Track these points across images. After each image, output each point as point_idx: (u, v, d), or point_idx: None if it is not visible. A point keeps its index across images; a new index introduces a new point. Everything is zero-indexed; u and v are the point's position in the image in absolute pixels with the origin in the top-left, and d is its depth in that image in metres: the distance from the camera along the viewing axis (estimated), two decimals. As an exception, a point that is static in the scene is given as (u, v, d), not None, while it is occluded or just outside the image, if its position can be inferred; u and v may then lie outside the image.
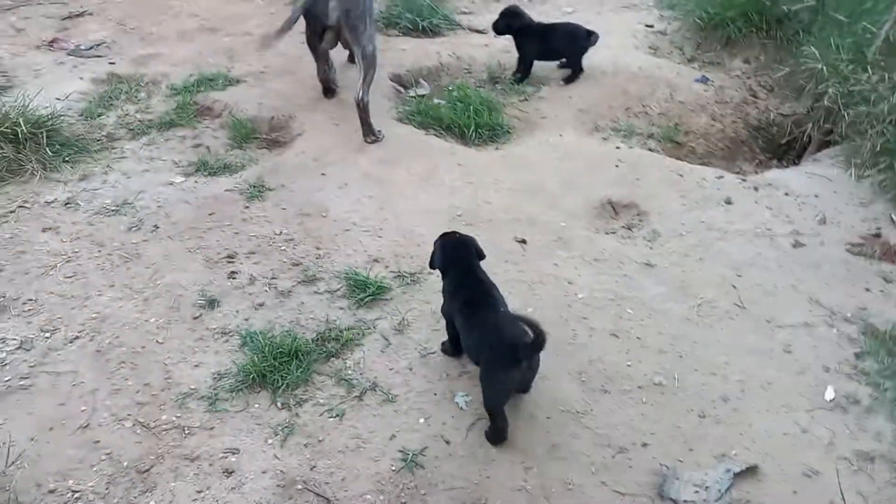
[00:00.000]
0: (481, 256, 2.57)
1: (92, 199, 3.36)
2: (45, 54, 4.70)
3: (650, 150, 4.05)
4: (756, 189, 3.68)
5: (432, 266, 2.61)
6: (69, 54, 4.70)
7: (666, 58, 4.93)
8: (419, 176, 3.63)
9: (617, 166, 3.77)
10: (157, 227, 3.19)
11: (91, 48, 4.78)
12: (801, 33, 4.68)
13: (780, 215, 3.50)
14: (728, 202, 3.58)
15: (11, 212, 3.24)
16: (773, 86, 4.69)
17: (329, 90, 4.30)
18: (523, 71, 4.55)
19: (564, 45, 4.53)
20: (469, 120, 4.04)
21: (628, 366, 2.66)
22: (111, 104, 4.13)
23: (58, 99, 4.06)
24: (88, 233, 3.15)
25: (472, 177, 3.63)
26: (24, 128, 3.52)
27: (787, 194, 3.64)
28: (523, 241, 3.21)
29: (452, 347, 2.60)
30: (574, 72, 4.54)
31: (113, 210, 3.29)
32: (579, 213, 3.46)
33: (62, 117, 3.80)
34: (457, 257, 2.53)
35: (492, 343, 2.28)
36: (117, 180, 3.50)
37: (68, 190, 3.42)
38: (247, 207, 3.36)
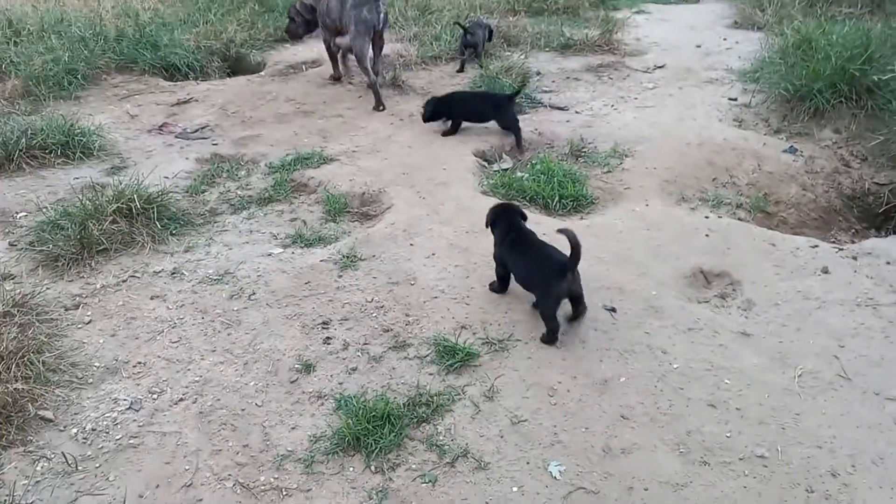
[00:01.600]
0: (524, 217, 3.33)
1: (196, 270, 3.55)
2: (155, 137, 5.10)
3: (740, 219, 3.99)
4: (854, 258, 3.56)
5: (487, 225, 3.33)
6: (177, 137, 5.08)
7: (751, 130, 4.91)
8: (505, 246, 3.68)
9: (707, 235, 3.73)
10: (257, 296, 3.34)
11: (196, 131, 5.15)
12: (894, 102, 4.59)
13: (882, 284, 3.36)
14: (825, 271, 3.47)
15: (124, 281, 3.46)
16: (867, 155, 4.58)
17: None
18: (452, 130, 5.06)
19: (487, 110, 4.98)
20: (553, 191, 4.10)
21: (728, 437, 2.56)
22: (214, 182, 4.40)
23: (166, 177, 4.37)
24: (192, 300, 3.32)
25: (558, 246, 3.64)
26: (137, 204, 3.79)
27: (888, 263, 3.50)
28: (613, 310, 3.18)
29: (500, 285, 3.29)
30: (516, 136, 4.85)
31: (215, 279, 3.47)
32: (670, 281, 3.42)
33: (170, 194, 4.07)
34: (503, 214, 3.31)
35: (542, 265, 3.00)
36: (219, 252, 3.70)
37: (174, 261, 3.63)
38: (340, 276, 3.48)
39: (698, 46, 6.74)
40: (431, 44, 6.71)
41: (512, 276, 3.24)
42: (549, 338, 2.98)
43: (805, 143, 4.73)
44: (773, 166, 4.43)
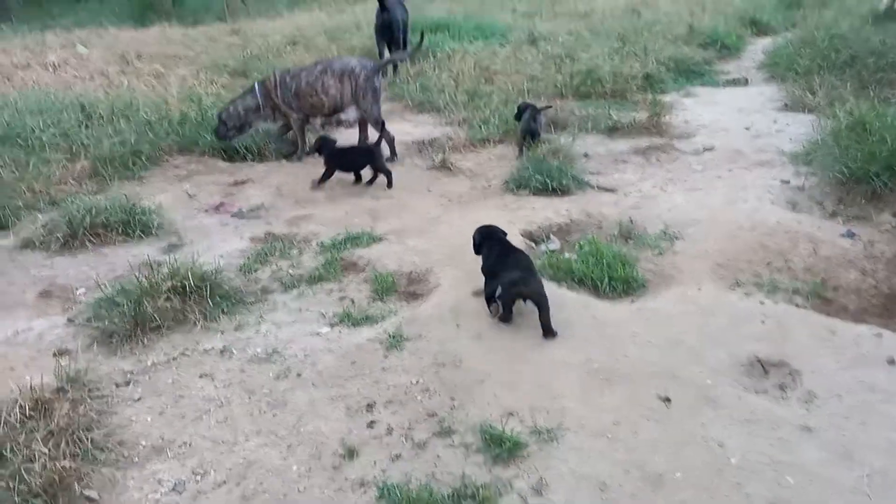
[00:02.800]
0: (504, 234, 4.03)
1: (245, 348, 3.58)
2: (212, 217, 5.26)
3: (797, 306, 3.87)
4: (922, 348, 3.39)
5: (475, 249, 4.01)
6: (232, 216, 5.23)
7: (806, 213, 4.81)
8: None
9: (763, 322, 3.62)
10: (303, 376, 3.34)
11: (251, 211, 5.30)
12: (956, 184, 4.47)
13: (955, 377, 3.18)
14: (891, 362, 3.31)
15: (174, 358, 3.51)
16: (929, 239, 4.43)
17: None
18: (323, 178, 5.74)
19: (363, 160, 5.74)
20: (602, 273, 4.05)
21: (793, 542, 2.40)
22: (266, 260, 4.49)
23: (220, 256, 4.48)
24: (240, 380, 3.34)
25: (608, 330, 3.59)
26: (191, 282, 3.87)
27: (960, 354, 3.32)
28: (666, 399, 3.08)
29: (505, 313, 3.63)
30: (385, 175, 5.68)
31: (263, 358, 3.49)
32: (725, 369, 3.30)
33: (223, 272, 4.16)
34: (487, 233, 4.01)
35: (508, 268, 3.68)
36: (269, 330, 3.74)
37: (224, 339, 3.67)
38: (386, 357, 3.46)
39: (748, 129, 6.73)
40: (480, 127, 6.85)
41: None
42: (505, 319, 3.66)
43: (863, 227, 4.61)
44: (830, 251, 4.32)
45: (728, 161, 5.88)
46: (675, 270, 4.17)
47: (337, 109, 6.36)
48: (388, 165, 5.88)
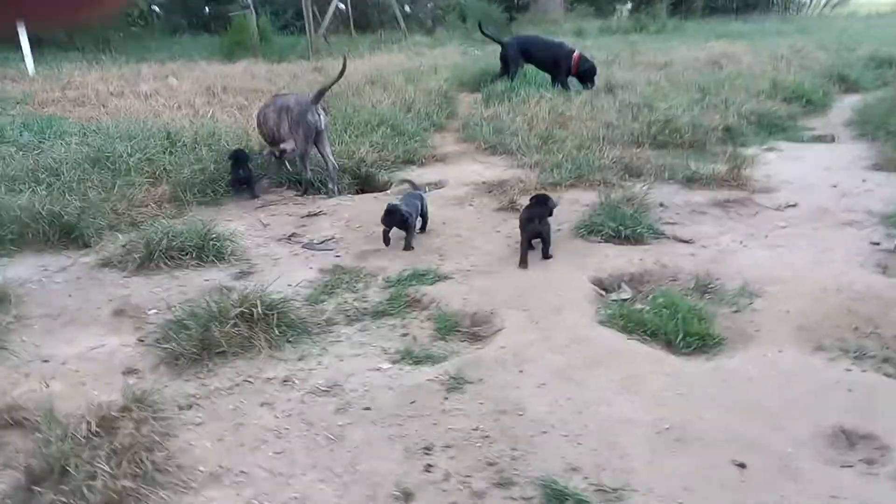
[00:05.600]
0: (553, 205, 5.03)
1: (307, 379, 3.56)
2: (283, 246, 5.34)
3: (887, 375, 3.60)
4: None
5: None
6: (303, 247, 5.29)
7: (898, 277, 4.53)
8: (621, 383, 3.49)
9: (849, 391, 3.38)
10: (362, 412, 3.29)
11: (322, 242, 5.36)
12: None
13: None
14: None
15: (237, 385, 3.51)
16: None
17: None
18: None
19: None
20: (676, 327, 3.89)
21: None
22: (333, 292, 4.51)
23: (289, 285, 4.52)
24: (300, 411, 3.31)
25: (681, 388, 3.42)
26: (259, 309, 3.90)
27: None
28: (742, 465, 2.88)
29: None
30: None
31: (324, 391, 3.46)
32: (807, 439, 3.08)
33: (291, 301, 4.18)
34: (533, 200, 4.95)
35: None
36: (331, 363, 3.71)
37: (287, 368, 3.67)
38: (446, 399, 3.38)
39: (834, 186, 6.44)
40: (552, 171, 6.79)
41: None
42: (522, 263, 4.86)
43: (961, 296, 4.30)
44: (925, 319, 4.03)
45: (813, 219, 5.62)
46: (754, 330, 3.96)
47: (276, 140, 6.65)
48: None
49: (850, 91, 11.22)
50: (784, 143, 8.31)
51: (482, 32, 11.93)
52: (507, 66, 10.48)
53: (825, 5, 26.25)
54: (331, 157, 6.69)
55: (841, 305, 4.17)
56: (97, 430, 2.96)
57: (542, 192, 5.63)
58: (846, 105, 10.25)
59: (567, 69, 10.19)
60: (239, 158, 6.48)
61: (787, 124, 8.97)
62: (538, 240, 5.01)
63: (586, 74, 10.14)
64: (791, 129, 8.87)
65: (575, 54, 10.14)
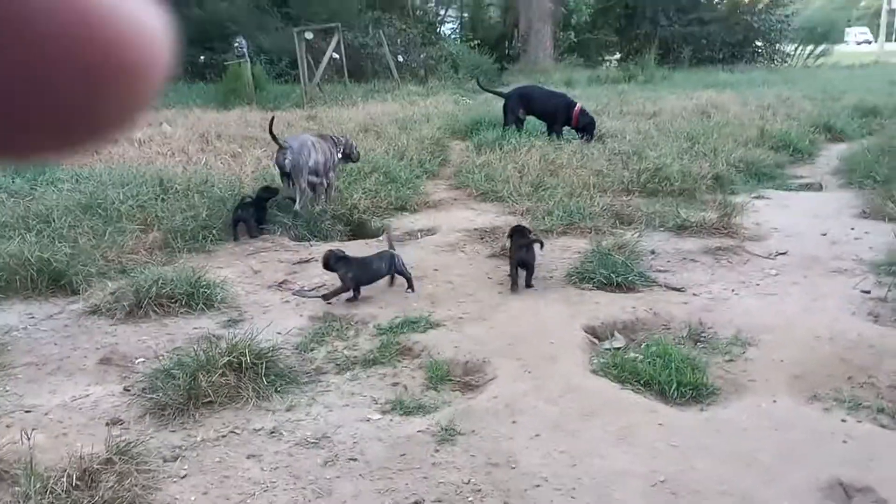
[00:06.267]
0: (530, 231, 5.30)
1: (295, 430, 3.50)
2: (274, 293, 5.30)
3: (882, 426, 3.57)
4: None
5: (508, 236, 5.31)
6: (294, 294, 5.25)
7: (890, 326, 4.53)
8: (615, 434, 3.44)
9: (845, 442, 3.34)
10: (351, 464, 3.22)
11: (313, 290, 5.32)
12: None
13: None
14: None
15: (223, 436, 3.44)
16: None
17: None
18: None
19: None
20: (670, 377, 3.85)
21: None
22: (323, 340, 4.46)
23: (279, 333, 4.47)
24: (287, 463, 3.24)
25: (675, 439, 3.37)
26: (247, 358, 3.84)
27: None
28: None
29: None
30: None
31: (312, 443, 3.39)
32: (803, 492, 3.02)
33: (280, 349, 4.13)
34: (514, 232, 5.21)
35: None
36: (319, 413, 3.65)
37: (275, 419, 3.60)
38: (437, 451, 3.32)
39: (824, 234, 6.49)
40: (543, 217, 6.82)
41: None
42: (513, 288, 5.21)
43: (954, 345, 4.29)
44: (919, 368, 4.01)
45: (803, 267, 5.64)
46: (747, 379, 3.93)
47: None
48: None
49: (836, 140, 11.39)
50: (772, 191, 8.39)
51: (481, 87, 12.12)
52: (508, 116, 10.63)
53: (808, 56, 26.83)
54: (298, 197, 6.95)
55: (834, 354, 4.15)
56: (78, 483, 2.88)
57: (519, 224, 5.77)
58: (832, 153, 10.40)
59: (566, 121, 10.33)
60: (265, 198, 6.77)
61: (775, 172, 9.08)
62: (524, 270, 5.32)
63: (587, 128, 10.23)
64: (779, 178, 8.98)
65: (576, 107, 10.27)
